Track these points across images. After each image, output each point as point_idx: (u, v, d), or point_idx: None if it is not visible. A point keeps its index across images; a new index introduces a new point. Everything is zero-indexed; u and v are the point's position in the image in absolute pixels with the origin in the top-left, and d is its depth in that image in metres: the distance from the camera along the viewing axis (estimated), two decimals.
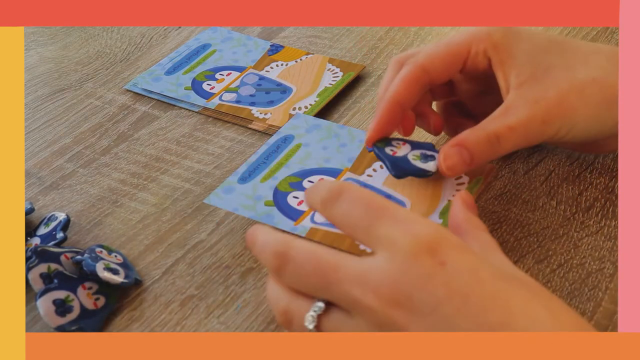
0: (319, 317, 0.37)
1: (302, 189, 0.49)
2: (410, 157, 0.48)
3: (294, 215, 0.47)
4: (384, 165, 0.48)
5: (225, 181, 0.50)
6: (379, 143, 0.49)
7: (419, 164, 0.47)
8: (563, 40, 0.49)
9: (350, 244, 0.45)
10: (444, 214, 0.46)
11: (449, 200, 0.46)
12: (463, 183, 0.48)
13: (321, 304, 0.37)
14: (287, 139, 0.53)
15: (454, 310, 0.34)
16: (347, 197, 0.38)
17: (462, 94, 0.53)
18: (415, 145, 0.49)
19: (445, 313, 0.34)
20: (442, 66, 0.48)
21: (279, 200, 0.48)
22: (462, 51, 0.48)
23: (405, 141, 0.49)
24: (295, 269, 0.37)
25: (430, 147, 0.49)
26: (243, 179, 0.50)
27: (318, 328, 0.37)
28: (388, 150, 0.48)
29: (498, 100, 0.47)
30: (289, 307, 0.38)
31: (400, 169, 0.47)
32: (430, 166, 0.47)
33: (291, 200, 0.48)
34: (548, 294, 0.36)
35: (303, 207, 0.48)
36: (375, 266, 0.35)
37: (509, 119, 0.45)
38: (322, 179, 0.43)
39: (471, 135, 0.46)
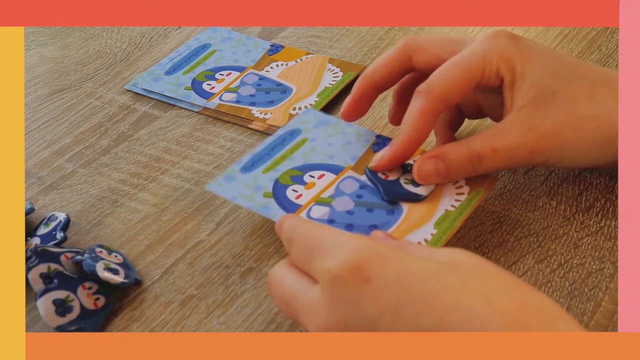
0: None
1: (303, 182, 0.49)
2: (402, 180, 0.48)
3: (290, 208, 0.47)
4: (375, 188, 0.49)
5: (228, 169, 0.50)
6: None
7: (411, 187, 0.48)
8: (574, 63, 0.47)
9: None
10: (439, 224, 0.46)
11: (446, 210, 0.46)
12: (463, 194, 0.48)
13: None
14: (294, 133, 0.53)
15: (389, 325, 0.35)
16: (295, 242, 0.40)
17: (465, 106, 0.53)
18: (407, 168, 0.49)
19: (382, 329, 0.35)
20: (457, 93, 0.46)
21: (277, 192, 0.48)
22: (477, 75, 0.47)
23: None
24: (272, 293, 0.40)
25: None
26: (246, 169, 0.50)
27: None
28: (380, 173, 0.49)
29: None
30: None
31: (392, 194, 0.47)
32: (421, 190, 0.47)
33: (290, 194, 0.48)
34: (483, 277, 0.36)
35: (301, 201, 0.48)
36: (314, 297, 0.37)
37: (497, 141, 0.45)
38: (285, 216, 0.44)
39: (453, 150, 0.46)
